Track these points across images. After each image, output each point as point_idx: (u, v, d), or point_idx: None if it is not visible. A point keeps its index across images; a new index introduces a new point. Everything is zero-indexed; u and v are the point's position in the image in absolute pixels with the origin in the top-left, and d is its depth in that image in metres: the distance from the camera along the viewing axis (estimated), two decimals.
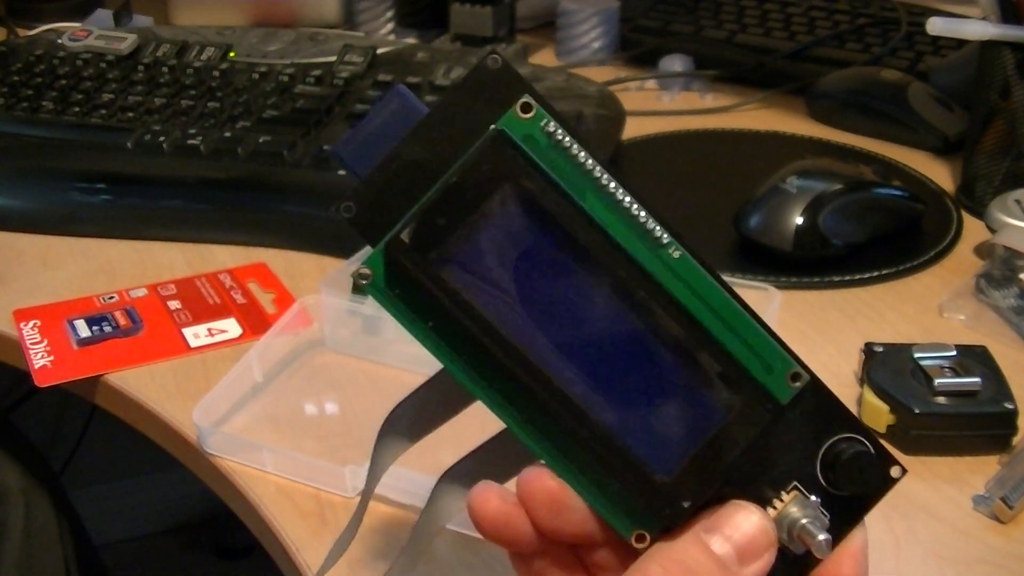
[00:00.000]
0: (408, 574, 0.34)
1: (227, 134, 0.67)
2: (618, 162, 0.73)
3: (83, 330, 0.57)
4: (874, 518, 0.30)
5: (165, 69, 0.76)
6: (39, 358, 0.55)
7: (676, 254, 0.29)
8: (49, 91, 0.73)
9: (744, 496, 0.29)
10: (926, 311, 0.59)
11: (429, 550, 0.34)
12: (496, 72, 0.29)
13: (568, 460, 0.29)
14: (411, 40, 0.92)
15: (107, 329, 0.57)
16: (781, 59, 0.89)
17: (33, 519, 0.73)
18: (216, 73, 0.74)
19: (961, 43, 0.85)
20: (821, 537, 0.29)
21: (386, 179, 0.29)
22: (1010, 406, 0.48)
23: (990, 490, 0.46)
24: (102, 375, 0.54)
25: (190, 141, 0.66)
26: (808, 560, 0.30)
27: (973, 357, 0.50)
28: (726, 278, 0.30)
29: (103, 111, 0.71)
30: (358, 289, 0.54)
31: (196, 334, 0.57)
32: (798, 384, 0.29)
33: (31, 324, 0.58)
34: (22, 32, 0.94)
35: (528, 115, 0.29)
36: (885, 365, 0.50)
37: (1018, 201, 0.65)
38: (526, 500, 0.30)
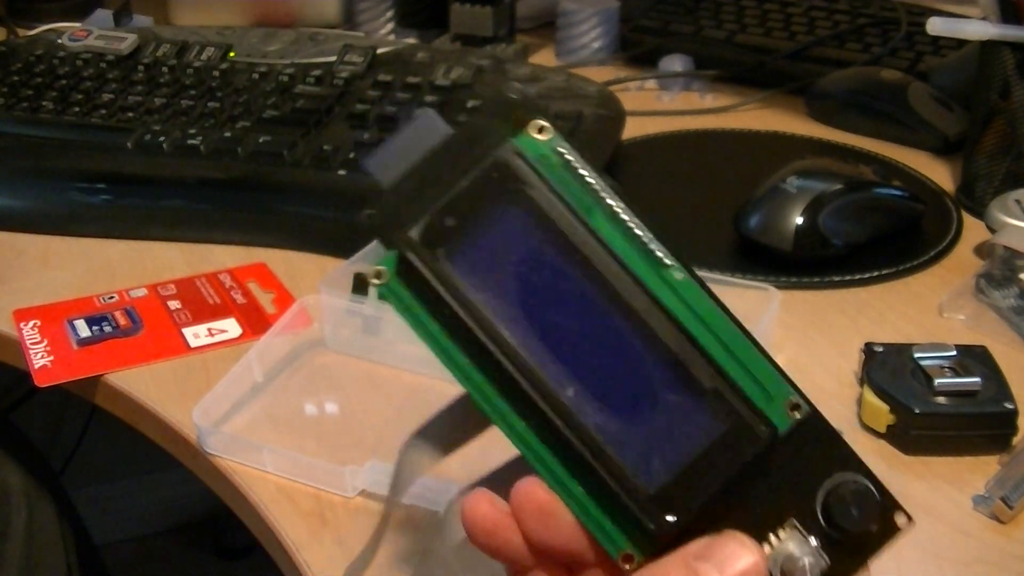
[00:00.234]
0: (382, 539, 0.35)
1: (227, 134, 0.67)
2: (618, 162, 0.72)
3: (83, 330, 0.57)
4: None
5: (165, 69, 0.76)
6: (39, 358, 0.55)
7: (679, 276, 0.30)
8: (49, 91, 0.73)
9: (738, 527, 0.29)
10: (926, 311, 0.59)
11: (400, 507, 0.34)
12: (516, 103, 0.30)
13: (559, 465, 0.30)
14: (411, 40, 0.92)
15: (107, 329, 0.57)
16: (781, 59, 0.89)
17: (35, 520, 0.73)
18: (216, 73, 0.74)
19: (961, 43, 0.85)
20: None
21: (407, 189, 0.31)
22: (1010, 406, 0.48)
23: (990, 490, 0.46)
24: (102, 375, 0.54)
25: (190, 141, 0.66)
26: None
27: (973, 357, 0.50)
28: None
29: (103, 111, 0.71)
30: (358, 289, 0.54)
31: (196, 334, 0.57)
32: (797, 414, 0.29)
33: (31, 324, 0.58)
34: (22, 32, 0.94)
35: (543, 136, 0.31)
36: (885, 365, 0.50)
37: (1018, 201, 0.65)
38: (517, 510, 0.30)
